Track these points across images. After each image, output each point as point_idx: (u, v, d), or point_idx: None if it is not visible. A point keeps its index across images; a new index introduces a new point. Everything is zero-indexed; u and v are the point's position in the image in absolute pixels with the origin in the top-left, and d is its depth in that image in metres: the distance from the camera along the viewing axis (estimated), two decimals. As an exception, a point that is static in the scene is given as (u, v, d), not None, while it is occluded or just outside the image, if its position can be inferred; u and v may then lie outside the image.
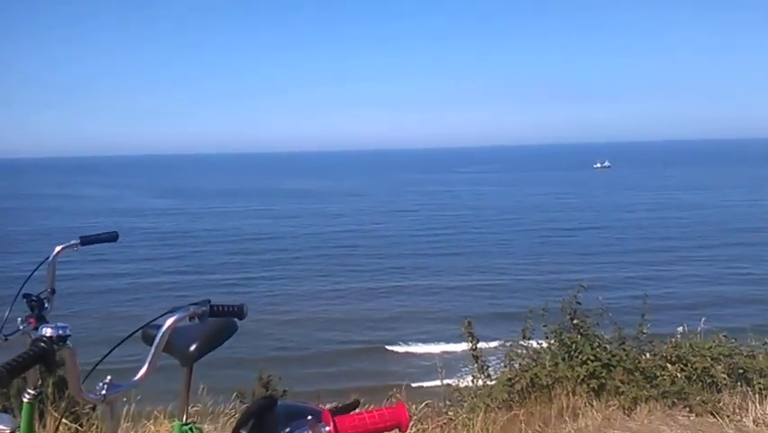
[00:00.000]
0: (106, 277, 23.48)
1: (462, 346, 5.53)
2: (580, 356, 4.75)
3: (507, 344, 5.39)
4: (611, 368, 4.73)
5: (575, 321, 5.01)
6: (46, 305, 2.21)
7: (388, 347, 16.72)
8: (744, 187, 50.64)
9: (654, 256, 23.83)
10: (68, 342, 1.39)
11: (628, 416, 4.33)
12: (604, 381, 4.64)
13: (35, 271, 2.14)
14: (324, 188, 65.54)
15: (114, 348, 1.57)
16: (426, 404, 4.80)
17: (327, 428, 1.01)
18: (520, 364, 5.02)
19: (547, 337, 5.13)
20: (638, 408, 4.40)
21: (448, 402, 5.01)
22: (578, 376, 4.62)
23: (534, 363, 4.95)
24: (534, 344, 5.25)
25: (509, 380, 4.95)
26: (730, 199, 41.99)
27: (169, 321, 1.65)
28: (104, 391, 1.52)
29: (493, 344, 6.12)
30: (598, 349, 4.82)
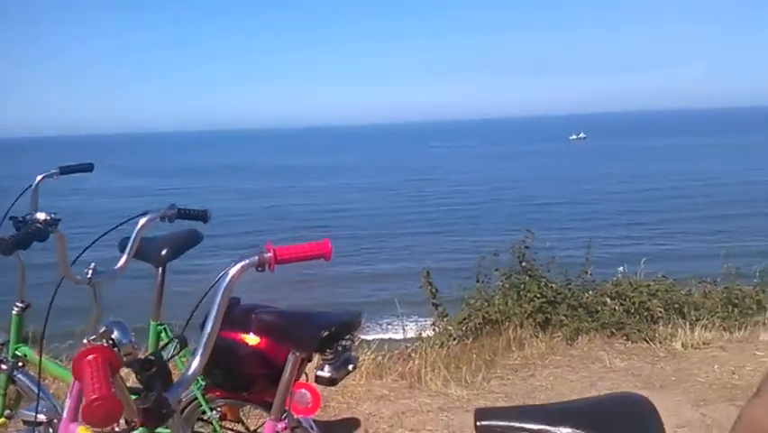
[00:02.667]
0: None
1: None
2: (528, 294, 5.14)
3: (465, 293, 5.78)
4: (556, 304, 5.12)
5: (524, 264, 5.39)
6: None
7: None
8: (720, 156, 51.49)
9: (631, 229, 24.31)
10: (58, 227, 1.70)
11: (570, 345, 4.71)
12: (549, 316, 5.03)
13: (19, 197, 2.38)
14: (298, 165, 64.65)
15: (98, 239, 1.78)
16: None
17: (269, 255, 1.30)
18: (474, 305, 5.40)
19: (499, 280, 5.52)
20: (580, 338, 4.79)
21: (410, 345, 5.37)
22: (525, 312, 5.01)
23: (486, 304, 5.34)
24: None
25: (464, 319, 5.34)
26: (706, 171, 42.56)
27: (143, 219, 1.96)
28: (89, 275, 1.82)
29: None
30: (544, 288, 5.21)
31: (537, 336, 4.83)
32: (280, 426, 1.81)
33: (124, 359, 1.04)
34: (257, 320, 1.89)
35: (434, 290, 6.01)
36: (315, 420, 2.38)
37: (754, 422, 2.67)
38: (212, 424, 2.44)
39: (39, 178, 2.51)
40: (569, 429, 1.03)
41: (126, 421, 1.10)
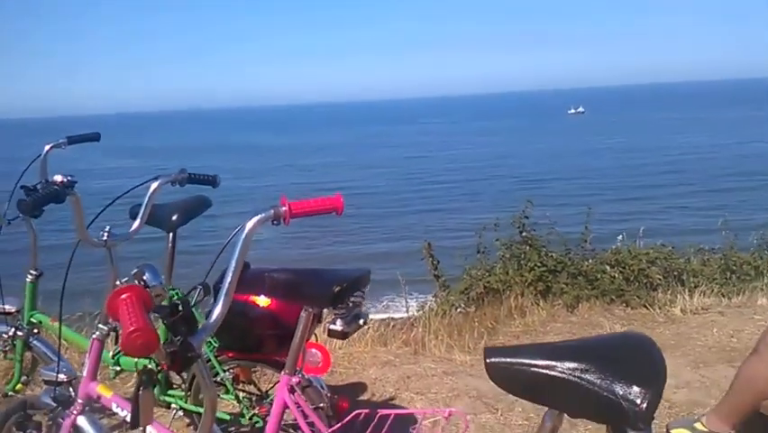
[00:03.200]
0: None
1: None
2: (529, 264, 5.21)
3: (465, 263, 5.86)
4: (556, 273, 5.19)
5: (524, 234, 5.46)
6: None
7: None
8: (721, 129, 51.17)
9: (629, 205, 24.23)
10: (74, 189, 1.75)
11: (571, 312, 4.79)
12: (550, 284, 5.11)
13: (29, 166, 2.42)
14: (290, 143, 63.92)
15: (111, 203, 1.81)
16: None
17: (284, 208, 1.35)
18: (475, 275, 5.47)
19: (500, 250, 5.59)
20: (580, 305, 4.86)
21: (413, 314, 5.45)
22: (526, 281, 5.08)
23: (487, 273, 5.41)
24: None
25: (465, 289, 5.42)
26: (706, 144, 42.32)
27: (155, 184, 2.01)
28: (104, 238, 1.88)
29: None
30: (544, 257, 5.29)
31: (538, 304, 4.90)
32: (294, 380, 1.88)
33: (156, 301, 1.10)
34: (270, 279, 1.95)
35: (435, 262, 6.09)
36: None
37: (752, 377, 2.75)
38: (225, 385, 2.51)
39: (47, 147, 2.55)
40: (574, 364, 1.08)
41: (156, 363, 1.15)
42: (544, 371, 1.10)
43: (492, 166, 38.78)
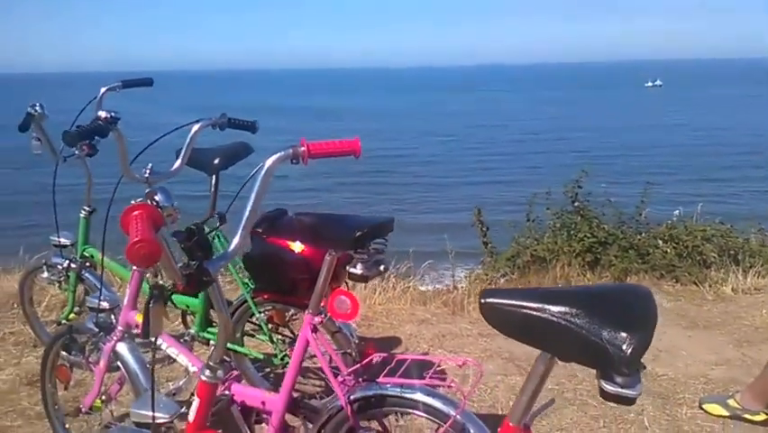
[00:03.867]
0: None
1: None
2: (579, 234, 5.14)
3: (515, 231, 5.82)
4: (607, 245, 5.11)
5: (576, 204, 5.37)
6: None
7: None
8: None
9: (695, 186, 23.19)
10: (117, 125, 1.86)
11: (617, 285, 4.72)
12: (599, 256, 5.04)
13: (85, 107, 2.56)
14: (342, 106, 63.24)
15: (155, 141, 1.90)
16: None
17: (302, 148, 1.42)
18: (523, 243, 5.45)
19: (550, 219, 5.53)
20: (628, 278, 4.79)
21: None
22: (574, 251, 5.02)
23: (536, 242, 5.38)
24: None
25: (512, 256, 5.41)
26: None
27: (196, 126, 2.11)
28: (147, 174, 1.99)
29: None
30: (595, 228, 5.20)
31: (585, 276, 4.85)
32: (317, 319, 1.95)
33: (168, 220, 1.18)
34: (300, 225, 2.02)
35: (484, 229, 6.07)
36: (357, 333, 2.54)
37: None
38: (260, 326, 2.63)
39: (103, 90, 2.68)
40: (566, 308, 1.11)
41: (173, 284, 1.24)
42: (536, 313, 1.13)
43: (556, 138, 37.67)
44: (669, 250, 5.00)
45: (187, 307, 2.72)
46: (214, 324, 2.80)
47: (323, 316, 1.98)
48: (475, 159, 31.96)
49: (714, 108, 51.95)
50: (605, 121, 45.90)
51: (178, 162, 2.09)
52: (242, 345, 2.69)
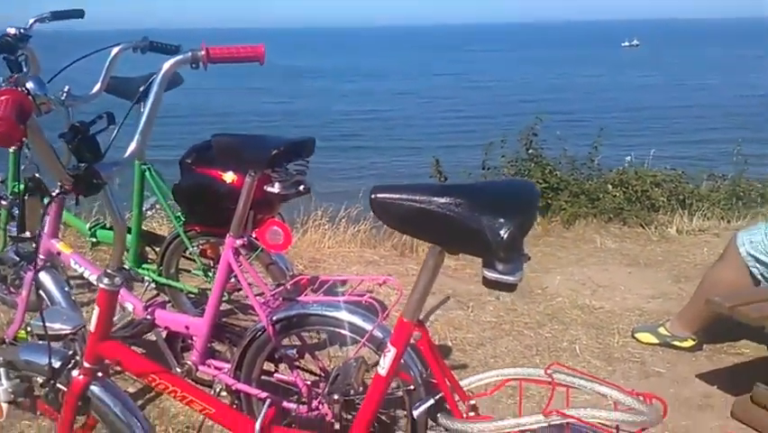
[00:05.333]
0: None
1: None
2: (531, 181, 5.19)
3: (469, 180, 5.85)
4: (559, 191, 5.18)
5: (530, 151, 5.42)
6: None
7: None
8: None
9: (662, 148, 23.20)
10: (28, 43, 1.79)
11: (567, 229, 4.79)
12: (550, 201, 5.11)
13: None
14: (326, 66, 62.25)
15: (71, 65, 1.80)
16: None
17: (201, 53, 1.37)
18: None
19: (504, 168, 5.58)
20: (577, 222, 4.86)
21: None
22: (526, 197, 5.07)
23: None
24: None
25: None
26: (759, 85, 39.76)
27: (116, 49, 2.06)
28: (63, 97, 1.94)
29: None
30: (548, 175, 5.26)
31: (536, 221, 4.91)
32: (238, 242, 1.95)
33: (42, 108, 1.14)
34: (218, 146, 1.99)
35: (443, 179, 6.09)
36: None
37: (716, 282, 2.77)
38: (194, 260, 2.62)
39: (31, 21, 2.59)
40: (450, 199, 1.12)
41: (60, 186, 1.22)
42: (423, 206, 1.14)
43: (532, 100, 37.58)
44: (618, 194, 5.08)
45: (120, 242, 2.69)
46: (149, 260, 2.78)
47: (244, 239, 1.97)
48: (452, 121, 31.66)
49: (689, 68, 51.88)
50: (576, 81, 45.66)
51: (98, 86, 2.04)
52: (178, 281, 2.68)
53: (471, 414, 1.36)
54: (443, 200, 1.12)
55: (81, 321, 1.49)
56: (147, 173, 2.58)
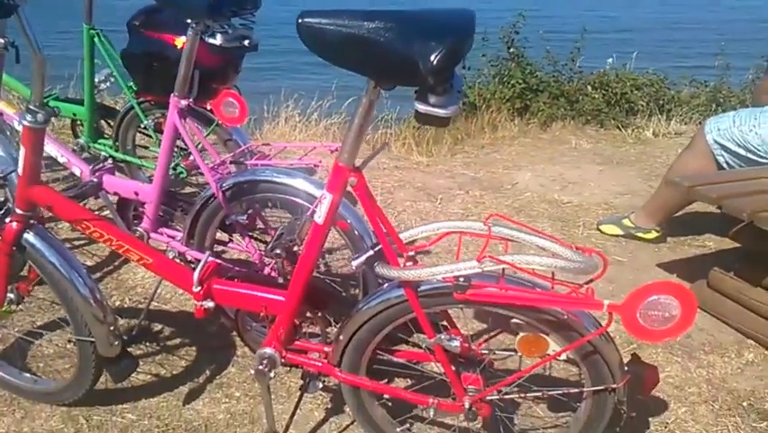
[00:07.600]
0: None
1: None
2: (511, 81, 5.08)
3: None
4: (538, 92, 5.07)
5: (511, 50, 5.27)
6: None
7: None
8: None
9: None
10: None
11: (544, 130, 4.73)
12: (529, 103, 5.01)
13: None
14: None
15: None
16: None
17: None
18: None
19: (485, 66, 5.43)
20: (554, 124, 4.79)
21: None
22: (504, 97, 4.98)
23: (468, 88, 5.30)
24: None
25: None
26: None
27: None
28: None
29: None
30: (528, 75, 5.14)
31: (512, 121, 4.84)
32: (184, 102, 1.88)
33: None
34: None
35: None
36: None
37: (682, 169, 2.75)
38: (150, 135, 2.55)
39: None
40: (376, 23, 1.05)
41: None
42: (351, 31, 1.07)
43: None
44: (597, 96, 4.99)
45: (74, 115, 2.60)
46: (105, 135, 2.70)
47: (190, 99, 1.90)
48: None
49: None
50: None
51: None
52: (134, 156, 2.61)
53: (410, 264, 1.34)
54: (372, 25, 1.05)
55: (12, 166, 1.43)
56: (96, 39, 2.45)
